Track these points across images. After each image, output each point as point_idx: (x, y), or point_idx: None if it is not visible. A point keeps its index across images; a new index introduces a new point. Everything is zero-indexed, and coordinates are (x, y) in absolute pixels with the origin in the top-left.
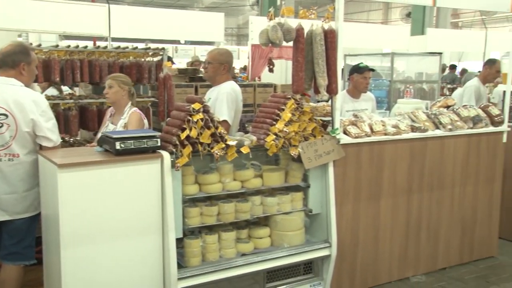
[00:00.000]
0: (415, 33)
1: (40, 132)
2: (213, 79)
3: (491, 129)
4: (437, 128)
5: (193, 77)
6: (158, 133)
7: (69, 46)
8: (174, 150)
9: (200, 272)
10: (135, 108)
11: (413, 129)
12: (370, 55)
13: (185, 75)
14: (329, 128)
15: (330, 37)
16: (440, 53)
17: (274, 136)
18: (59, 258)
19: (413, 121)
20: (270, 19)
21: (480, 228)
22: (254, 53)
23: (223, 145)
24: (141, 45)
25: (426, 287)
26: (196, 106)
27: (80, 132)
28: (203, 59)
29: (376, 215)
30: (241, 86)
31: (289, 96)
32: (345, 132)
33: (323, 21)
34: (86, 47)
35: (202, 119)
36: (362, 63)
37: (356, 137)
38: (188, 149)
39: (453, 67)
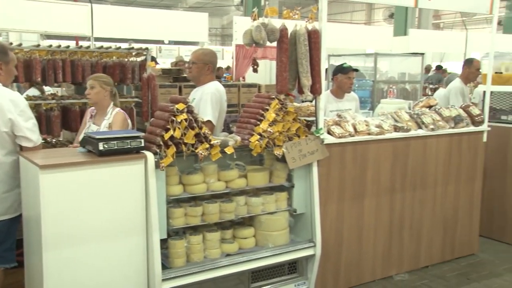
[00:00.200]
0: (398, 33)
1: (19, 132)
2: (197, 79)
3: (472, 128)
4: (420, 128)
5: (177, 77)
6: (141, 134)
7: (50, 45)
8: (158, 150)
9: (184, 273)
10: (118, 108)
11: (396, 129)
12: (353, 55)
13: (169, 75)
14: (313, 128)
15: (313, 37)
16: (422, 54)
17: (258, 136)
18: (41, 260)
19: (396, 121)
20: (254, 20)
21: (461, 227)
22: (238, 53)
23: (207, 146)
24: (124, 45)
25: (409, 285)
26: (180, 106)
27: (63, 133)
28: (187, 59)
29: (360, 215)
30: (225, 86)
31: (273, 96)
32: (329, 132)
33: (306, 22)
34: (68, 46)
35: (186, 120)
36: (345, 63)
37: (340, 137)
38: (172, 150)
39: (439, 67)
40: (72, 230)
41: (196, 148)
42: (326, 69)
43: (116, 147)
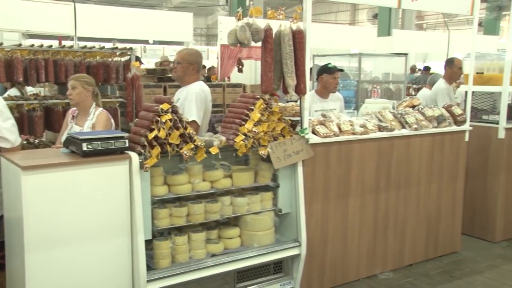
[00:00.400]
0: (382, 34)
1: None
2: (182, 79)
3: (454, 128)
4: (403, 127)
5: (162, 77)
6: (126, 134)
7: (32, 45)
8: (142, 151)
9: (169, 273)
10: (101, 109)
11: (380, 128)
12: (338, 55)
13: (154, 75)
14: (298, 128)
15: (298, 37)
16: (405, 54)
17: (243, 136)
18: (23, 262)
19: (380, 120)
20: (239, 20)
21: (444, 225)
22: (223, 53)
23: (192, 146)
24: (108, 45)
25: (393, 283)
26: (165, 106)
27: (46, 134)
28: (172, 59)
29: (344, 214)
30: (210, 86)
31: (258, 96)
32: (313, 132)
33: (291, 22)
34: (51, 46)
35: (170, 120)
36: (330, 63)
37: (325, 137)
38: (157, 150)
39: (427, 68)
40: (55, 232)
41: (181, 149)
42: (311, 69)
43: (100, 148)
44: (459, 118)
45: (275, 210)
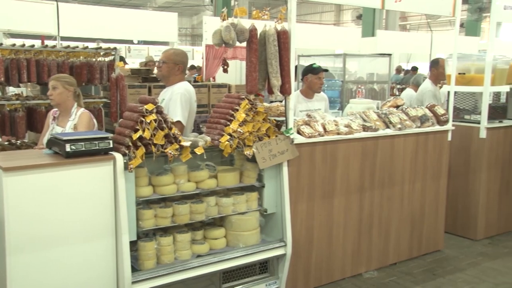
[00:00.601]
0: (366, 35)
1: None
2: (166, 79)
3: (437, 128)
4: (387, 127)
5: (147, 77)
6: (110, 135)
7: (14, 44)
8: (127, 151)
9: (154, 275)
10: (83, 109)
11: (365, 128)
12: (323, 55)
13: (138, 76)
14: (283, 128)
15: (283, 37)
16: (389, 54)
17: (229, 137)
18: (4, 265)
19: (364, 120)
20: (223, 20)
21: (428, 224)
22: (208, 53)
23: (177, 146)
24: (92, 45)
25: (378, 282)
26: (149, 107)
27: (28, 134)
28: (157, 59)
29: (329, 213)
30: (195, 86)
31: (243, 97)
32: (298, 132)
33: (276, 22)
34: (33, 46)
35: (155, 120)
36: (315, 63)
37: (310, 137)
38: (141, 151)
39: (414, 69)
40: (37, 233)
41: (165, 149)
42: (296, 69)
43: (83, 149)
44: (442, 118)
45: (261, 210)
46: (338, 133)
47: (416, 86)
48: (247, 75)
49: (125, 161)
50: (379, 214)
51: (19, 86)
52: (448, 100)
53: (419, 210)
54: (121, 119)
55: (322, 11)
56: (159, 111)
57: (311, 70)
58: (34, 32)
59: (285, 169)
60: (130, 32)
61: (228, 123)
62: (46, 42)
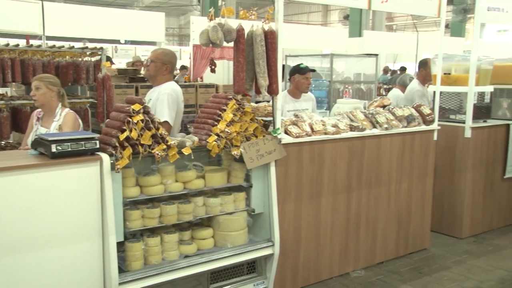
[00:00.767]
0: (353, 35)
1: None
2: (153, 79)
3: (423, 127)
4: (374, 127)
5: (134, 77)
6: (96, 135)
7: None
8: (113, 152)
9: (142, 275)
10: (67, 109)
11: (352, 128)
12: (310, 56)
13: (125, 76)
14: (270, 128)
15: (270, 38)
16: (376, 55)
17: (216, 137)
18: None
19: (351, 120)
20: (211, 20)
21: (414, 222)
22: (196, 53)
23: (164, 146)
24: (78, 44)
25: (365, 281)
26: (136, 107)
27: (13, 135)
28: (144, 59)
29: (317, 213)
30: (182, 86)
31: (231, 97)
32: (286, 132)
33: (263, 22)
34: (17, 45)
35: (142, 120)
36: (302, 64)
37: (297, 137)
38: (128, 151)
39: (403, 69)
40: (23, 235)
41: (153, 149)
42: (283, 68)
43: (70, 149)
44: (427, 117)
45: (248, 210)
46: (325, 133)
47: (402, 86)
48: (235, 75)
49: (112, 161)
50: (366, 214)
51: (3, 86)
52: (433, 100)
53: (405, 209)
54: (107, 120)
55: (310, 11)
56: (146, 111)
57: (298, 70)
58: (18, 31)
59: (272, 169)
60: (117, 31)
61: (216, 123)
62: (31, 41)
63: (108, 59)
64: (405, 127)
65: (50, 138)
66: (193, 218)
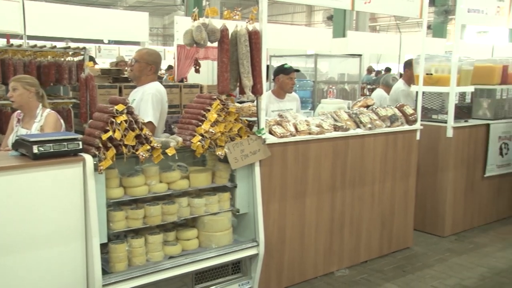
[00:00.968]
0: (337, 35)
1: None
2: (138, 79)
3: (406, 127)
4: (358, 127)
5: (117, 77)
6: (79, 136)
7: None
8: (97, 152)
9: (126, 277)
10: (49, 109)
11: (336, 128)
12: (294, 56)
13: (109, 76)
14: (255, 128)
15: (254, 38)
16: (360, 55)
17: (200, 137)
18: None
19: (335, 120)
20: (195, 20)
21: (398, 221)
22: (180, 53)
23: (148, 147)
24: (60, 44)
25: (349, 280)
26: (120, 107)
27: None
28: (128, 59)
29: (301, 213)
30: (167, 87)
31: (215, 97)
32: (270, 132)
33: (247, 22)
34: None
35: (126, 121)
36: (287, 64)
37: (282, 137)
38: (112, 152)
39: (388, 69)
40: (4, 237)
41: (136, 150)
42: (268, 68)
43: (52, 150)
44: (410, 117)
45: (233, 210)
46: (310, 133)
47: (385, 86)
48: (219, 75)
49: (95, 162)
50: (351, 213)
51: None
52: (416, 100)
53: (389, 208)
54: (91, 120)
55: (294, 11)
56: (129, 112)
57: (282, 70)
58: None
59: (257, 169)
60: (101, 31)
61: (200, 123)
62: (12, 41)
63: (91, 59)
64: (388, 127)
65: (31, 139)
66: (178, 219)
